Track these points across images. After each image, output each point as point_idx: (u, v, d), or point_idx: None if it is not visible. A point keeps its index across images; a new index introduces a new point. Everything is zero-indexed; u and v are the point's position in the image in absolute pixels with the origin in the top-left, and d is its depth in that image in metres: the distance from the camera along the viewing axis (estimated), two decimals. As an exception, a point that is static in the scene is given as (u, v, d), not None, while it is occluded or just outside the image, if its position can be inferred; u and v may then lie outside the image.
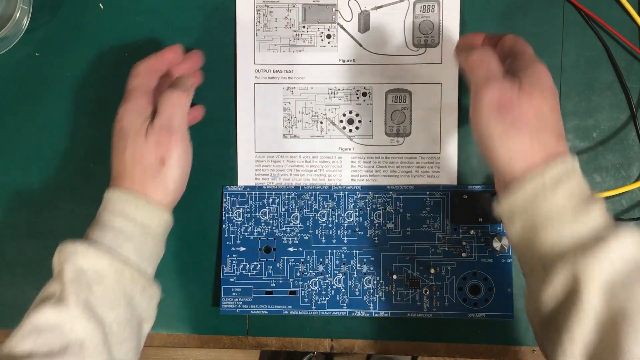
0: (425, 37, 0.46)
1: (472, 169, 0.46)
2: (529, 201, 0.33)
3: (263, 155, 0.47)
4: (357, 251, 0.46)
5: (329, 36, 0.46)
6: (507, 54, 0.37)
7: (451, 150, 0.46)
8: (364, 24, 0.46)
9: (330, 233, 0.46)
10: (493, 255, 0.45)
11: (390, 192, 0.46)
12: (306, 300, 0.46)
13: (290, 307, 0.46)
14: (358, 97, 0.46)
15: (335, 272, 0.46)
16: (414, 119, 0.46)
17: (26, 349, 0.34)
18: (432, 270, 0.45)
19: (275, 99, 0.47)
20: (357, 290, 0.46)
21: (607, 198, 0.45)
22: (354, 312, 0.46)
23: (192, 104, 0.43)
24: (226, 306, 0.46)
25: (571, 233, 0.32)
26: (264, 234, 0.46)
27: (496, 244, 0.44)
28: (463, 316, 0.45)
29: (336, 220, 0.46)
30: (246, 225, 0.46)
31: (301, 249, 0.46)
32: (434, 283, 0.45)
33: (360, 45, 0.46)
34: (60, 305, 0.35)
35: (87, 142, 0.48)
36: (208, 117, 0.47)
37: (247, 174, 0.47)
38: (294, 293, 0.46)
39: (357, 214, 0.46)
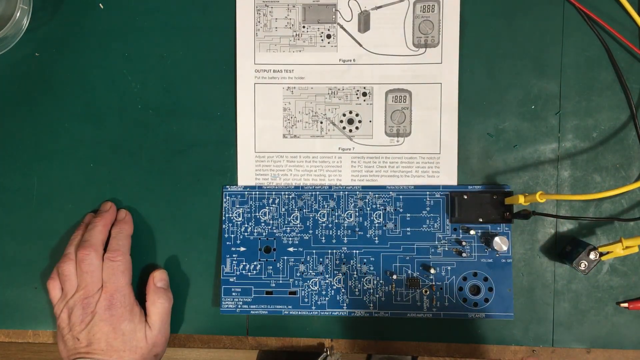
0: (425, 37, 0.46)
1: (472, 169, 0.46)
2: None
3: (263, 155, 0.47)
4: (357, 251, 0.46)
5: (329, 36, 0.46)
6: None
7: (451, 150, 0.46)
8: (364, 24, 0.46)
9: (330, 233, 0.46)
10: (493, 255, 0.45)
11: (390, 192, 0.46)
12: (306, 300, 0.46)
13: (290, 307, 0.46)
14: (358, 97, 0.46)
15: (335, 272, 0.46)
16: (414, 119, 0.46)
17: None
18: (432, 270, 0.45)
19: (275, 99, 0.47)
20: (357, 290, 0.46)
21: (607, 198, 0.45)
22: (354, 312, 0.46)
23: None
24: (226, 306, 0.46)
25: None
26: (264, 234, 0.46)
27: (496, 244, 0.44)
28: (463, 316, 0.45)
29: (336, 220, 0.46)
30: (246, 226, 0.46)
31: (301, 249, 0.46)
32: (434, 283, 0.45)
33: (360, 45, 0.46)
34: None
35: (87, 142, 0.48)
36: (208, 117, 0.47)
37: (247, 174, 0.47)
38: (294, 293, 0.46)
39: (357, 214, 0.46)
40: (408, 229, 0.46)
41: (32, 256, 0.48)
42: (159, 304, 0.44)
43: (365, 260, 0.46)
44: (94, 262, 0.43)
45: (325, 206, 0.46)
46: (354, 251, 0.46)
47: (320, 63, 0.46)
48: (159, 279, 0.45)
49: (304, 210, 0.46)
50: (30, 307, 0.48)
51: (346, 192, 0.46)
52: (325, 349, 0.46)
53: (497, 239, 0.44)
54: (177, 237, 0.47)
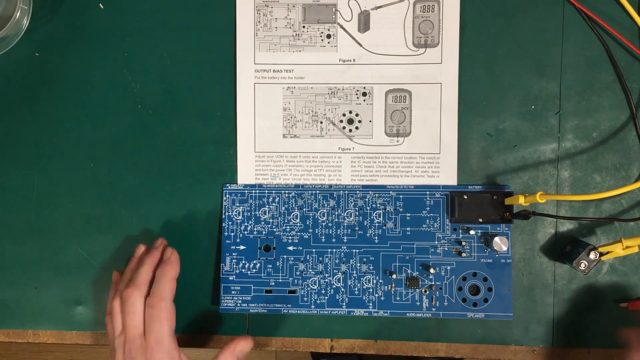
0: (425, 37, 0.46)
1: (472, 169, 0.46)
2: None
3: (263, 155, 0.47)
4: (357, 251, 0.46)
5: (329, 36, 0.46)
6: None
7: (451, 150, 0.46)
8: (364, 24, 0.46)
9: (330, 232, 0.46)
10: (493, 255, 0.45)
11: (390, 192, 0.46)
12: (305, 299, 0.46)
13: (289, 306, 0.46)
14: (358, 97, 0.46)
15: (334, 271, 0.46)
16: (414, 119, 0.46)
17: None
18: (432, 270, 0.45)
19: (275, 99, 0.47)
20: (356, 289, 0.46)
21: (607, 198, 0.45)
22: (353, 312, 0.45)
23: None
24: (225, 305, 0.46)
25: None
26: (264, 232, 0.46)
27: (496, 244, 0.44)
28: (463, 316, 0.45)
29: (336, 220, 0.46)
30: (246, 224, 0.46)
31: (301, 248, 0.46)
32: (433, 283, 0.45)
33: (360, 45, 0.46)
34: None
35: (87, 142, 0.48)
36: (208, 117, 0.47)
37: (247, 174, 0.47)
38: (294, 292, 0.46)
39: (357, 213, 0.46)
40: (408, 229, 0.46)
41: (32, 256, 0.48)
42: None
43: (365, 259, 0.46)
44: (136, 304, 0.41)
45: (325, 205, 0.46)
46: (354, 250, 0.46)
47: (320, 63, 0.46)
48: (240, 349, 0.43)
49: (304, 209, 0.46)
50: (30, 307, 0.48)
51: (346, 192, 0.46)
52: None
53: (497, 239, 0.44)
54: (177, 236, 0.47)
